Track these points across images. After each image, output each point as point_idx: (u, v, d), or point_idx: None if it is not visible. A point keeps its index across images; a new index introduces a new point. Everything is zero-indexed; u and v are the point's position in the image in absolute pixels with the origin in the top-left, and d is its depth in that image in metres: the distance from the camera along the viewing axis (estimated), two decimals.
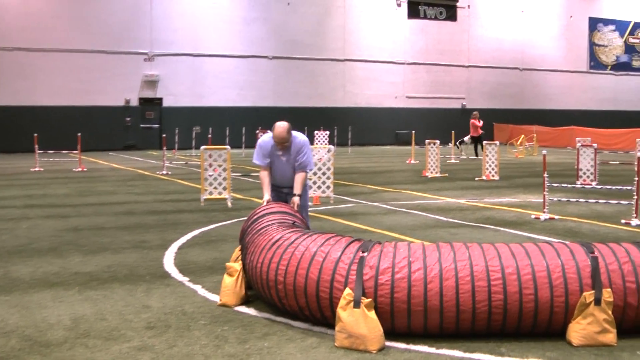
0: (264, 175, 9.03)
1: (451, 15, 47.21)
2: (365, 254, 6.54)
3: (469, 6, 47.50)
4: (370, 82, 44.51)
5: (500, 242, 7.02)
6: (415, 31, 46.07)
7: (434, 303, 6.27)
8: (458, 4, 47.23)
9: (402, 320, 6.35)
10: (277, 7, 42.23)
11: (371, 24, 44.79)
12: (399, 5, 45.60)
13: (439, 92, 46.21)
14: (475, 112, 31.29)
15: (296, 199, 8.83)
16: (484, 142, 22.96)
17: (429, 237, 11.37)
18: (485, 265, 6.39)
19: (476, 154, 31.06)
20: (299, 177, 8.95)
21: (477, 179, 21.93)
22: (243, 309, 7.35)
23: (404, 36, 45.67)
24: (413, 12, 46.07)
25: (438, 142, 23.43)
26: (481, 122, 30.83)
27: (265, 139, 9.09)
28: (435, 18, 46.83)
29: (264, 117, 39.49)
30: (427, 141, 23.55)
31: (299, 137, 9.07)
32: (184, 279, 8.64)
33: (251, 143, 32.68)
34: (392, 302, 6.28)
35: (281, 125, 8.83)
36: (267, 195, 8.88)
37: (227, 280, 7.54)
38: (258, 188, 19.27)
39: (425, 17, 46.52)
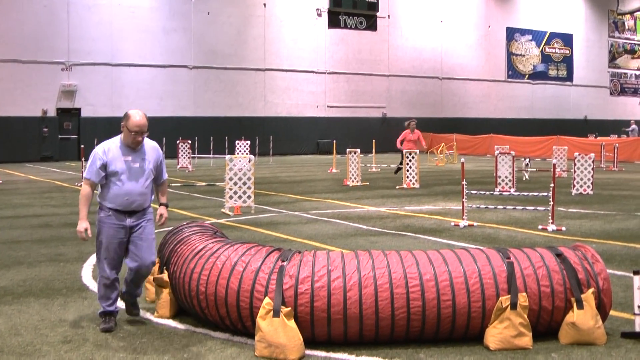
0: (88, 194, 7.07)
1: (371, 25, 47.60)
2: (285, 263, 6.54)
3: (389, 16, 47.97)
4: (291, 91, 44.57)
5: (419, 249, 7.08)
6: (336, 41, 46.31)
7: (354, 311, 6.30)
8: (378, 14, 47.64)
9: (322, 329, 6.36)
10: (197, 17, 42.01)
11: (291, 33, 44.87)
12: (319, 15, 45.78)
13: (360, 102, 46.52)
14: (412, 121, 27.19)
15: (165, 210, 7.53)
16: (405, 151, 23.09)
17: (349, 245, 11.41)
18: (403, 272, 6.45)
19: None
20: (164, 188, 7.66)
21: (397, 187, 22.13)
22: (163, 320, 7.28)
23: (325, 46, 45.87)
24: (333, 22, 46.31)
25: (359, 151, 23.58)
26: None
27: (106, 145, 7.11)
28: (356, 28, 47.15)
29: (184, 127, 39.24)
30: (348, 150, 23.65)
31: (147, 139, 7.33)
32: None
33: (172, 153, 32.44)
34: (312, 310, 6.30)
35: (138, 112, 7.09)
36: (86, 221, 7.09)
37: (161, 292, 7.45)
38: (184, 198, 19.15)
39: (345, 27, 46.79)
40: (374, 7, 47.35)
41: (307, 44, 45.20)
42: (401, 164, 24.46)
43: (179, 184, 23.22)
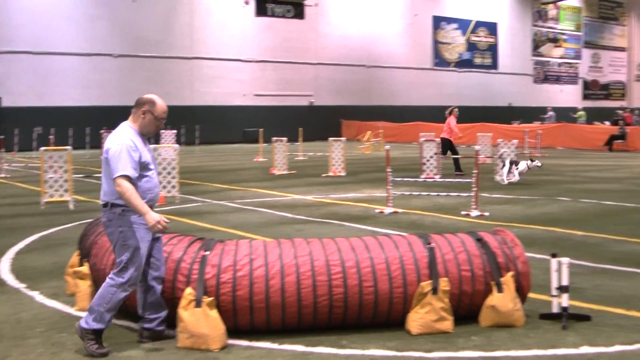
0: (133, 187, 6.09)
1: (299, 13, 47.53)
2: (208, 252, 6.51)
3: (316, 4, 47.93)
4: (218, 80, 44.22)
5: (345, 236, 7.11)
6: (263, 29, 46.12)
7: (276, 299, 6.30)
8: (305, 2, 47.59)
9: (244, 318, 6.35)
10: (122, 4, 41.35)
11: (218, 21, 44.50)
12: (246, 2, 45.52)
13: (287, 90, 46.43)
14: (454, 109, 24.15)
15: None
16: (330, 139, 23.09)
17: (275, 234, 11.39)
18: (325, 259, 6.47)
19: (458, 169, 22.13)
20: None
21: (323, 175, 22.16)
22: (83, 313, 7.14)
23: (252, 34, 45.63)
24: (261, 10, 46.11)
25: (286, 139, 23.55)
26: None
27: (126, 134, 6.29)
28: (283, 16, 47.03)
29: (109, 116, 38.26)
30: (274, 139, 23.61)
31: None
32: (21, 286, 8.33)
33: (96, 143, 31.93)
34: (234, 300, 6.28)
35: (157, 96, 6.59)
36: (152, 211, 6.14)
37: (82, 284, 7.32)
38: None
39: (273, 15, 46.63)
40: None
41: (235, 32, 44.90)
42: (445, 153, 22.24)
43: None
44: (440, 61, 54.36)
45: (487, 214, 13.73)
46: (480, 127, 39.64)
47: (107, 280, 6.15)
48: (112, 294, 6.07)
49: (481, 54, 57.00)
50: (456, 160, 21.66)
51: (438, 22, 54.17)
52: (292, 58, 46.65)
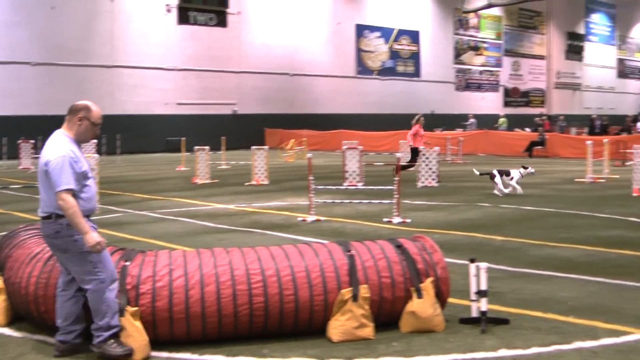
0: (77, 205, 5.92)
1: (221, 21, 47.27)
2: (128, 263, 6.41)
3: (239, 12, 47.73)
4: (140, 88, 43.65)
5: (267, 245, 7.08)
6: (186, 37, 45.71)
7: (196, 310, 6.25)
8: (228, 10, 47.36)
9: (164, 329, 6.27)
10: (40, 11, 40.49)
11: (140, 29, 43.95)
12: (168, 10, 45.09)
13: (210, 98, 46.07)
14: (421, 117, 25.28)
15: None
16: (253, 148, 22.97)
17: (196, 243, 11.28)
18: (245, 269, 6.45)
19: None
20: None
21: (246, 184, 22.04)
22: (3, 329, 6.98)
23: (174, 42, 45.17)
24: (183, 18, 45.73)
25: (208, 148, 23.38)
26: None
27: (64, 144, 6.09)
28: (206, 24, 46.71)
29: (26, 127, 37.56)
30: (196, 148, 23.42)
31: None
32: None
33: (13, 154, 31.27)
34: (153, 311, 6.21)
35: (89, 101, 6.46)
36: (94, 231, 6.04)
37: None
38: (24, 200, 18.44)
39: (195, 23, 46.26)
40: (225, 3, 47.07)
41: (156, 41, 44.39)
42: (415, 160, 22.93)
43: (20, 186, 22.40)
44: (363, 69, 54.69)
45: (409, 220, 13.84)
46: (403, 135, 39.92)
47: (88, 294, 6.03)
48: (103, 300, 5.97)
49: (404, 62, 57.54)
50: (405, 167, 22.30)
51: (361, 30, 54.51)
52: (215, 66, 46.34)
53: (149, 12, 44.23)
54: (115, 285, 6.07)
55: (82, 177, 6.04)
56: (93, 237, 5.86)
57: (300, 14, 50.51)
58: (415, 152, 23.12)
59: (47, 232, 6.08)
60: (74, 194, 5.89)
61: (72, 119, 6.21)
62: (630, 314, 7.33)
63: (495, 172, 18.76)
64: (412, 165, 22.86)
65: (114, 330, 5.97)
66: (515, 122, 51.34)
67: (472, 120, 47.86)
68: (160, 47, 44.41)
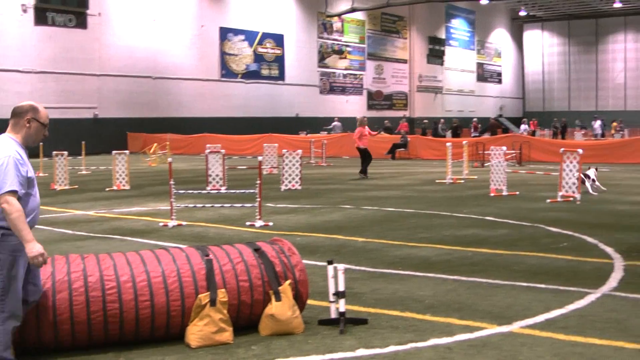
0: (22, 210, 5.58)
1: (81, 23, 46.13)
2: None
3: (99, 14, 46.68)
4: None
5: (127, 251, 6.94)
6: (43, 38, 44.35)
7: (48, 318, 6.06)
8: (88, 12, 46.22)
9: (14, 337, 6.04)
10: None
11: None
12: (24, 11, 43.63)
13: (70, 102, 44.84)
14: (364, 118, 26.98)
15: None
16: (114, 152, 22.52)
17: (53, 251, 10.88)
18: (99, 275, 6.30)
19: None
20: None
21: (107, 189, 21.59)
22: None
23: (31, 44, 43.73)
24: (40, 19, 44.37)
25: (67, 153, 22.78)
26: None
27: (10, 146, 5.76)
28: (65, 25, 45.46)
29: None
30: (54, 153, 22.77)
31: None
32: None
33: None
34: None
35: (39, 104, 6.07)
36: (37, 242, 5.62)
37: None
38: None
39: (53, 24, 44.95)
40: (84, 4, 45.94)
41: (12, 42, 42.86)
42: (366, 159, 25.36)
43: None
44: (227, 72, 54.48)
45: (271, 223, 13.85)
46: (267, 138, 40.14)
47: None
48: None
49: (268, 65, 57.64)
50: (364, 170, 25.08)
51: (225, 33, 54.29)
52: (74, 69, 45.15)
53: (4, 12, 42.66)
54: (17, 321, 5.72)
55: (27, 183, 5.67)
56: (37, 247, 5.50)
57: (164, 16, 49.87)
58: (364, 152, 25.12)
59: None
60: (20, 200, 5.53)
61: (18, 121, 5.83)
62: (483, 310, 7.55)
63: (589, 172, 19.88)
64: (368, 164, 25.28)
65: None
66: (379, 124, 52.22)
67: (335, 123, 48.42)
68: (16, 48, 42.91)
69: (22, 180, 5.58)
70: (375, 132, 30.52)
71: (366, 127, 25.93)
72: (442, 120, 54.82)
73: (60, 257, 6.54)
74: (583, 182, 19.75)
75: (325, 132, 47.11)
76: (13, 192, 5.51)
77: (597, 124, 50.89)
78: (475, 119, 52.44)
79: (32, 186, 5.75)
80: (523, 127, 53.60)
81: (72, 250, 11.01)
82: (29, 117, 5.84)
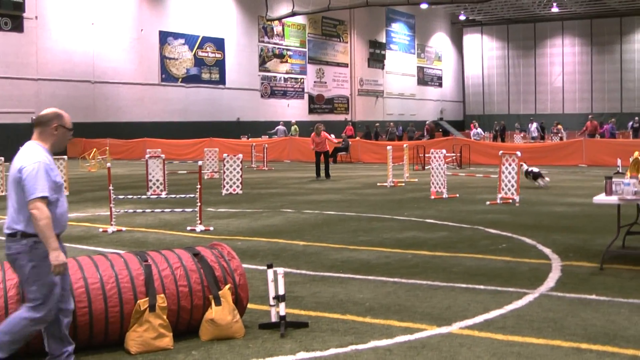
0: (50, 217, 5.59)
1: (17, 26, 45.36)
2: None
3: (36, 17, 45.98)
4: None
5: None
6: None
7: None
8: (25, 15, 45.47)
9: None
10: None
11: None
12: None
13: (6, 107, 43.98)
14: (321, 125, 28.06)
15: None
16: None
17: None
18: None
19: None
20: None
21: None
22: None
23: None
24: None
25: (3, 159, 22.38)
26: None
27: (39, 151, 5.81)
28: (0, 29, 44.73)
29: None
30: None
31: None
32: None
33: None
34: None
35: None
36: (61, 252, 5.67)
37: None
38: None
39: None
40: (20, 7, 45.17)
41: None
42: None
43: None
44: (167, 77, 54.05)
45: (212, 228, 13.81)
46: (208, 143, 39.99)
47: (22, 311, 5.69)
48: (23, 327, 5.68)
49: (209, 69, 57.34)
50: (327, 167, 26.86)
51: (165, 37, 53.86)
52: (10, 73, 44.37)
53: None
54: (43, 326, 5.82)
55: (56, 188, 5.71)
56: (61, 256, 5.55)
57: (102, 20, 49.29)
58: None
59: (9, 251, 5.73)
60: (49, 206, 5.56)
61: (45, 129, 5.90)
62: (422, 312, 7.62)
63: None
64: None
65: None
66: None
67: (279, 127, 48.43)
68: None
69: (52, 186, 5.63)
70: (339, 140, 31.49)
71: (322, 132, 27.03)
72: (411, 123, 55.02)
73: None
74: (535, 178, 20.38)
75: (267, 137, 47.07)
76: (44, 198, 5.54)
77: (534, 126, 51.54)
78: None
79: (60, 191, 5.81)
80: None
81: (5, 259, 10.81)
82: (56, 124, 5.93)
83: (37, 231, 5.53)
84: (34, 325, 5.72)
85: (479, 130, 46.74)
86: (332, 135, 28.35)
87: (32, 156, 5.69)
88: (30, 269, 5.64)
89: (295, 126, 49.27)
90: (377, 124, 55.46)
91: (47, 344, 5.94)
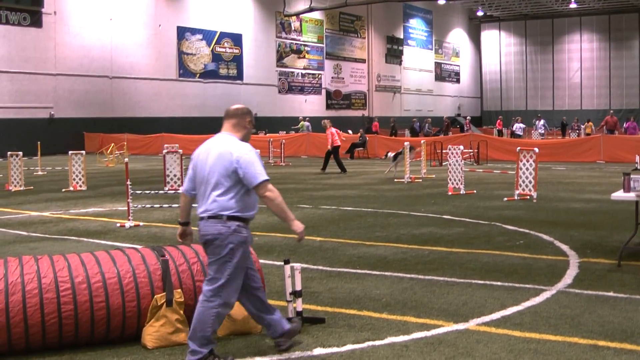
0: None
1: (36, 21, 45.57)
2: None
3: (55, 12, 46.14)
4: None
5: (83, 252, 6.87)
6: None
7: (0, 320, 5.97)
8: (43, 10, 45.65)
9: None
10: None
11: None
12: None
13: (24, 102, 44.22)
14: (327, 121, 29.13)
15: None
16: (70, 152, 22.23)
17: (7, 253, 10.81)
18: (54, 276, 6.24)
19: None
20: None
21: (63, 190, 21.34)
22: None
23: None
24: None
25: (21, 153, 22.47)
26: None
27: (245, 143, 6.30)
28: (19, 24, 44.87)
29: None
30: (9, 153, 22.45)
31: None
32: None
33: None
34: None
35: None
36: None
37: None
38: None
39: (7, 23, 44.33)
40: (39, 2, 45.37)
41: None
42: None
43: None
44: (185, 72, 54.15)
45: None
46: None
47: (203, 303, 5.91)
48: (214, 316, 5.93)
49: (226, 64, 57.40)
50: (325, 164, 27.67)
51: (182, 32, 53.97)
52: (29, 68, 44.56)
53: None
54: (231, 308, 6.16)
55: None
56: (301, 225, 6.08)
57: (120, 15, 49.43)
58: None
59: (208, 230, 5.95)
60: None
61: (240, 122, 6.30)
62: (439, 308, 7.61)
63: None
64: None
65: (210, 347, 5.96)
66: (338, 124, 52.17)
67: (306, 123, 48.33)
68: None
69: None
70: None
71: (331, 128, 27.86)
72: (428, 119, 54.82)
73: (13, 259, 6.46)
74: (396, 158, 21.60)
75: (288, 132, 47.11)
76: (268, 181, 5.98)
77: (540, 123, 51.14)
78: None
79: None
80: (542, 122, 52.04)
81: (26, 252, 10.90)
82: (249, 119, 6.36)
83: (274, 211, 5.98)
84: (223, 309, 5.99)
85: (542, 122, 47.45)
86: (334, 131, 28.44)
87: (242, 145, 6.08)
88: (227, 249, 5.89)
89: (303, 122, 48.99)
90: (393, 119, 55.25)
91: (264, 323, 6.37)
